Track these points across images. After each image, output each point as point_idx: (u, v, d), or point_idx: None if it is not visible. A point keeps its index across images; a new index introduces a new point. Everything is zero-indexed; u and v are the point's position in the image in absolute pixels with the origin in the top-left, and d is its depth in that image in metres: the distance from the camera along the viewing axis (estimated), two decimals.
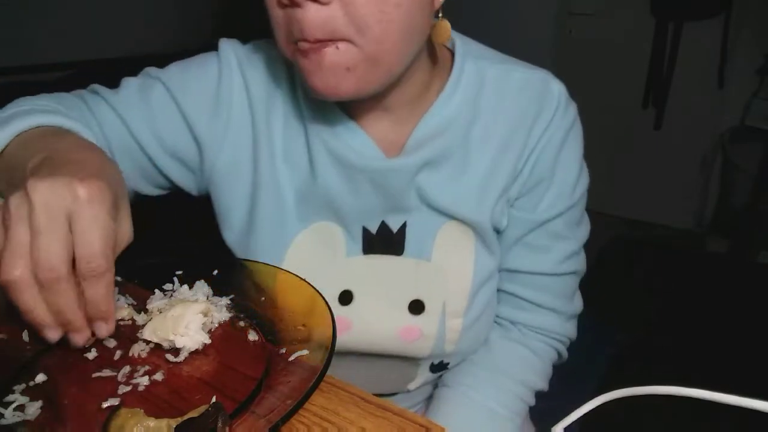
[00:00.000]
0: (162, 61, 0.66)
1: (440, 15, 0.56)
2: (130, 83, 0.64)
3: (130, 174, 0.63)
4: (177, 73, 0.63)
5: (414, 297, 0.64)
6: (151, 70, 0.64)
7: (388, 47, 0.50)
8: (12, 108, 0.54)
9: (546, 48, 2.71)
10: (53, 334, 0.41)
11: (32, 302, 0.39)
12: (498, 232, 0.67)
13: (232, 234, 0.66)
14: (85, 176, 0.40)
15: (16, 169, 0.46)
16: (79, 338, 0.43)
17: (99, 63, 2.10)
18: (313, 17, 0.48)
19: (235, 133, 0.63)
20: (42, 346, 0.48)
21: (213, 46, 0.65)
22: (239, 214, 0.65)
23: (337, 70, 0.50)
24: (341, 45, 0.49)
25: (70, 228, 0.39)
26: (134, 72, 0.65)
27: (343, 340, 0.64)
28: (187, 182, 0.67)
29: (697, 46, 2.49)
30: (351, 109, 0.61)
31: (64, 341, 0.48)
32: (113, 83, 0.65)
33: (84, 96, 0.63)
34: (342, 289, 0.64)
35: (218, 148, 0.63)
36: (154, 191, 0.68)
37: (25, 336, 0.48)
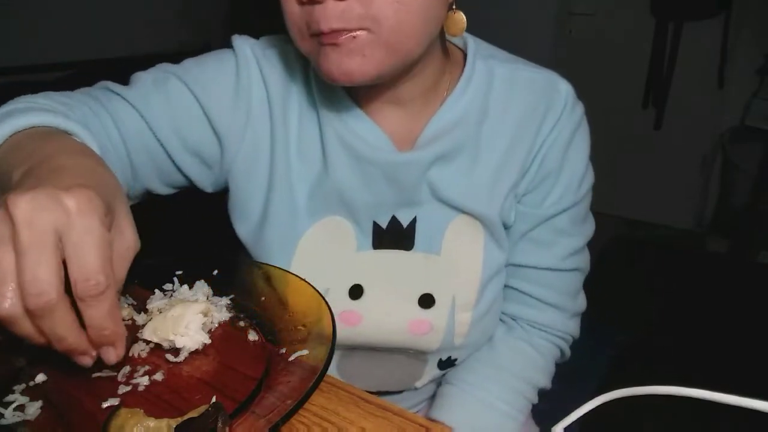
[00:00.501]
0: (162, 61, 0.65)
1: (454, 7, 0.57)
2: (143, 79, 0.62)
3: (144, 172, 0.62)
4: (193, 68, 0.63)
5: (424, 291, 0.65)
6: (165, 66, 0.63)
7: (405, 35, 0.52)
8: (9, 105, 0.52)
9: (546, 48, 2.71)
10: (60, 351, 0.38)
11: (27, 331, 0.35)
12: (506, 227, 0.67)
13: (246, 227, 0.66)
14: (72, 185, 0.36)
15: (3, 175, 0.43)
16: (87, 360, 0.39)
17: (99, 63, 2.10)
18: (330, 10, 0.49)
19: (254, 127, 0.63)
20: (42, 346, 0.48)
21: (213, 46, 0.65)
22: (255, 207, 0.65)
23: (353, 55, 0.51)
24: (358, 33, 0.50)
25: (60, 245, 0.34)
26: (134, 72, 0.64)
27: (354, 333, 0.65)
28: (203, 179, 0.66)
29: (697, 46, 2.49)
30: (364, 102, 0.62)
31: None
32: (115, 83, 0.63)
33: (94, 93, 0.60)
34: (352, 284, 0.64)
35: (239, 142, 0.63)
36: (167, 190, 0.66)
37: None
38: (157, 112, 0.60)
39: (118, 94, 0.60)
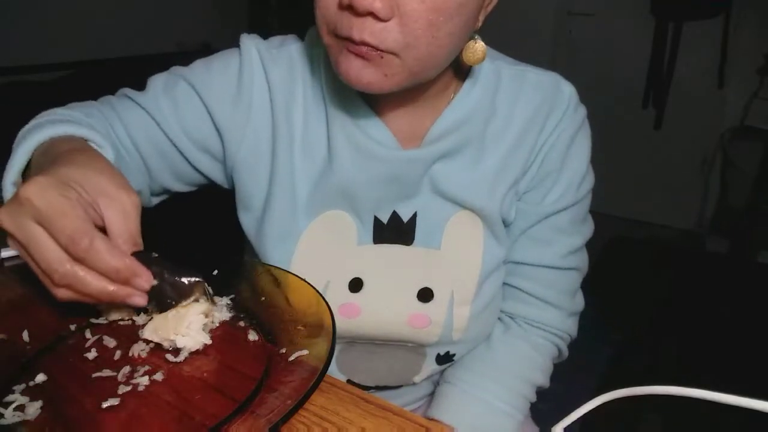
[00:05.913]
0: (162, 60, 0.66)
1: (476, 37, 0.57)
2: (156, 82, 0.65)
3: (160, 172, 0.66)
4: (199, 68, 0.65)
5: (423, 285, 0.65)
6: (176, 69, 0.66)
7: (429, 65, 0.53)
8: (42, 118, 0.57)
9: (546, 48, 2.71)
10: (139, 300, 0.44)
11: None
12: (506, 224, 0.68)
13: (248, 218, 0.68)
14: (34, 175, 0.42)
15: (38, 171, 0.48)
16: (139, 300, 0.44)
17: (99, 63, 2.11)
18: (369, 25, 0.50)
19: (254, 125, 0.64)
20: (42, 346, 0.48)
21: (213, 47, 0.66)
22: (257, 202, 0.66)
23: (373, 67, 0.52)
24: (386, 56, 0.51)
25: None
26: (134, 72, 0.66)
27: (353, 326, 0.65)
28: (216, 174, 0.68)
29: (697, 46, 2.50)
30: (375, 102, 0.63)
31: (63, 341, 0.48)
32: (113, 83, 0.66)
33: (112, 101, 0.65)
34: (353, 277, 0.65)
35: (239, 140, 0.64)
36: (185, 188, 0.70)
37: (25, 336, 0.48)
38: (166, 114, 0.63)
39: (132, 99, 0.64)
